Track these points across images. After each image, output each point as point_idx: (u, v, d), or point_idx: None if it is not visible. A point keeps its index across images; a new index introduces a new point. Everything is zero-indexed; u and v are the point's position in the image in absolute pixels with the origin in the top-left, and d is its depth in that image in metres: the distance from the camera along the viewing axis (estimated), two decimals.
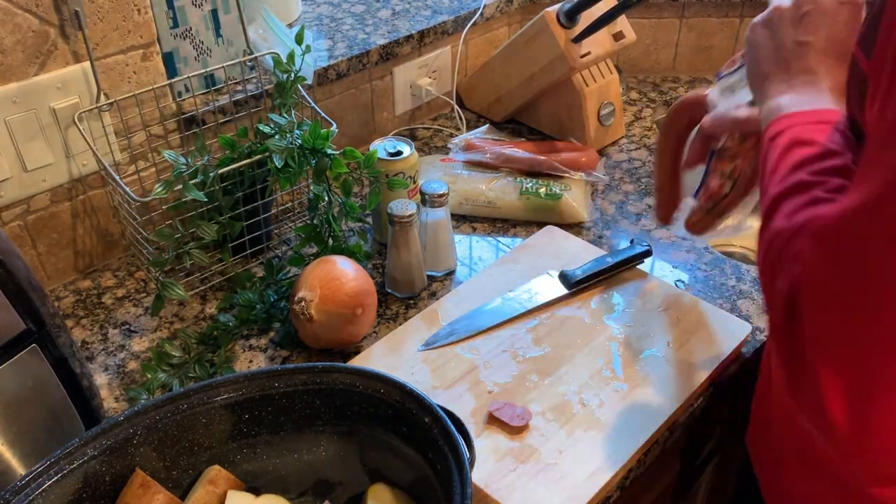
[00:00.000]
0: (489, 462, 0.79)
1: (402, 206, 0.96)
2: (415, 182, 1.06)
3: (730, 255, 1.21)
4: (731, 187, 0.81)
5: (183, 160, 0.92)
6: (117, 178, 0.92)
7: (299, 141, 0.94)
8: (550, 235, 1.08)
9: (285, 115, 0.99)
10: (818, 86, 0.67)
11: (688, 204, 0.86)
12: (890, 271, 0.46)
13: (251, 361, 0.94)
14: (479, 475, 0.77)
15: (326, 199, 0.99)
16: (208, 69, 1.03)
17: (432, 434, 0.66)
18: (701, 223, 0.84)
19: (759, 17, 0.74)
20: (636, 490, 0.91)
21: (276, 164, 0.92)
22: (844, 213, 0.49)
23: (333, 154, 0.95)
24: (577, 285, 0.98)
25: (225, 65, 1.02)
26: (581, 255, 1.04)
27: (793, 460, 0.76)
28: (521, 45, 1.27)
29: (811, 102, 0.66)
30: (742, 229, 0.85)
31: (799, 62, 0.69)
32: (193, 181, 0.91)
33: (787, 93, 0.68)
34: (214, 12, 1.07)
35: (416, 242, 0.98)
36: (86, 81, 0.94)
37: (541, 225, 1.13)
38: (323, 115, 1.03)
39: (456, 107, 1.39)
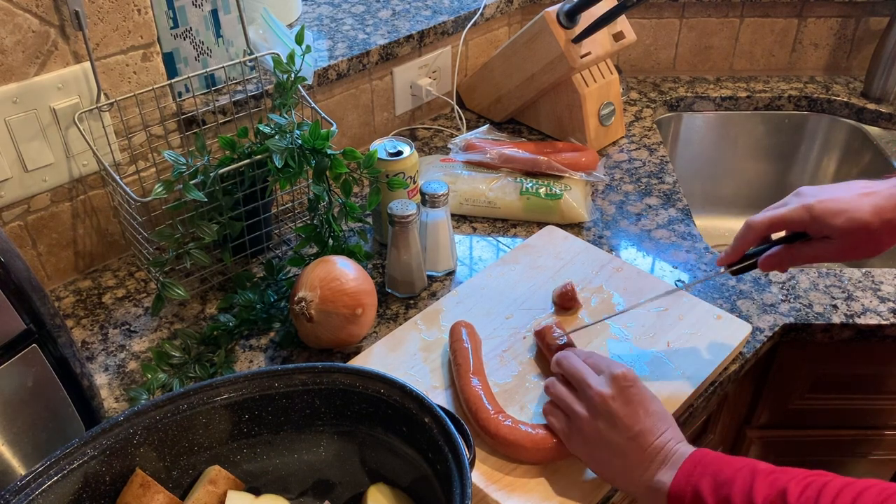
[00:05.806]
0: (489, 462, 0.79)
1: (402, 206, 0.96)
2: (415, 182, 1.06)
3: None
4: None
5: (183, 160, 0.92)
6: (117, 178, 0.92)
7: (299, 141, 0.94)
8: (550, 235, 1.08)
9: (285, 115, 0.99)
10: (672, 456, 0.71)
11: None
12: None
13: (251, 361, 0.94)
14: (479, 475, 0.77)
15: (326, 199, 0.99)
16: (208, 69, 1.03)
17: (432, 434, 0.66)
18: None
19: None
20: None
21: (276, 164, 0.92)
22: None
23: (333, 154, 0.95)
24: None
25: (225, 65, 1.02)
26: (581, 255, 1.04)
27: None
28: (521, 46, 1.27)
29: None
30: None
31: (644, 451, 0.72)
32: (193, 181, 0.91)
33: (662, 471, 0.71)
34: (214, 12, 1.07)
35: (416, 242, 0.98)
36: (86, 81, 0.94)
37: (541, 225, 1.13)
38: (323, 115, 1.03)
39: (456, 107, 1.39)
